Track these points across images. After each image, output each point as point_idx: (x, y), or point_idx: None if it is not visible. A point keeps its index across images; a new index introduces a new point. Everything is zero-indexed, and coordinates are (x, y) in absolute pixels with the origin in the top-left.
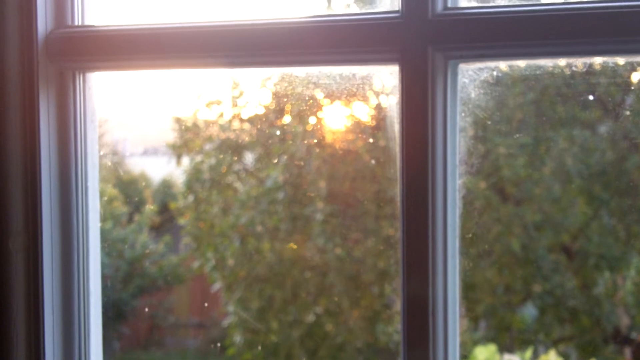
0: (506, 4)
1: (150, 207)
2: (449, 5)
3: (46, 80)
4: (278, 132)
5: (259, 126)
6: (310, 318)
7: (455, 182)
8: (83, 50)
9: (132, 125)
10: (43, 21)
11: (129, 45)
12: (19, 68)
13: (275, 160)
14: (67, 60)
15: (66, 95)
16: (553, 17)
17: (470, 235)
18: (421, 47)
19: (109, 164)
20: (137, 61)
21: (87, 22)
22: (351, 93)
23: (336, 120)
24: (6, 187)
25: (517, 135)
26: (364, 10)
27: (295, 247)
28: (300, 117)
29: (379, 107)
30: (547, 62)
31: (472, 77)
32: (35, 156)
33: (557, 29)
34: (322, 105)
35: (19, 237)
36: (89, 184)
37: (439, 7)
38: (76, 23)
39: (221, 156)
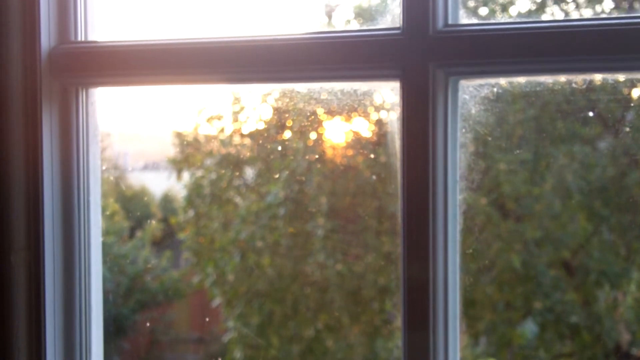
0: (506, 20)
1: (153, 223)
2: (450, 22)
3: (49, 95)
4: (280, 148)
5: (260, 141)
6: (310, 333)
7: (455, 197)
8: (86, 65)
9: (133, 140)
10: (46, 37)
11: (132, 61)
12: (22, 83)
13: (277, 176)
14: (70, 76)
15: (69, 111)
16: (553, 34)
17: (470, 251)
18: (422, 64)
19: (111, 178)
20: (139, 77)
21: (90, 38)
22: (352, 109)
23: (337, 136)
24: (9, 202)
25: (518, 152)
26: (364, 27)
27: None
28: (301, 132)
29: (379, 123)
30: (547, 79)
31: (473, 93)
32: (38, 171)
33: (557, 46)
34: (323, 121)
35: (21, 252)
36: (91, 198)
37: (440, 24)
38: (79, 39)
39: (222, 171)
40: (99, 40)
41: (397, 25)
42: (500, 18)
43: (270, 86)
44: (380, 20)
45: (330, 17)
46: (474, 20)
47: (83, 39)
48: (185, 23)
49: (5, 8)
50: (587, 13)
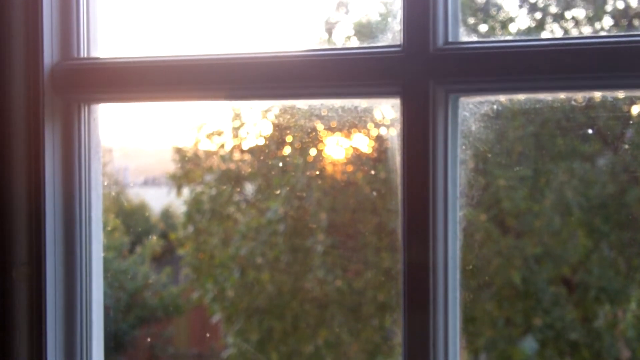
0: (506, 38)
1: (153, 238)
2: (450, 39)
3: (51, 111)
4: (281, 164)
5: (261, 157)
6: (310, 350)
7: (455, 214)
8: (88, 82)
9: (133, 155)
10: (49, 53)
11: (134, 77)
12: (25, 99)
13: (278, 192)
14: (72, 92)
15: (71, 127)
16: (553, 52)
17: (470, 267)
18: (422, 81)
19: (113, 194)
20: (141, 93)
21: (92, 55)
22: (353, 125)
23: (337, 152)
24: (11, 217)
25: (517, 168)
26: (364, 43)
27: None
28: (302, 148)
29: (380, 139)
30: (547, 96)
31: (473, 110)
32: (40, 187)
33: (556, 64)
34: (324, 137)
35: (22, 267)
36: (93, 214)
37: (440, 41)
38: (82, 55)
39: (222, 187)
40: (101, 56)
41: (398, 42)
42: (500, 35)
43: (271, 102)
44: (380, 37)
45: (330, 33)
46: (474, 38)
47: (85, 56)
48: (187, 39)
49: (8, 24)
50: (587, 30)
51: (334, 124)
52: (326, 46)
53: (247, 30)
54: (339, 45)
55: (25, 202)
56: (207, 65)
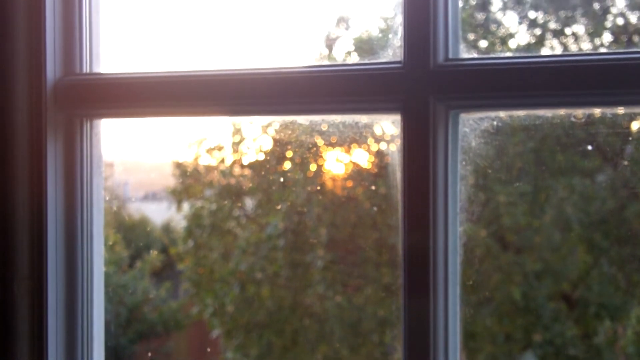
0: (506, 55)
1: (153, 253)
2: (450, 56)
3: (54, 126)
4: (282, 179)
5: (262, 172)
6: None
7: (456, 229)
8: (91, 97)
9: (133, 170)
10: (52, 68)
11: (136, 92)
12: (28, 114)
13: (279, 207)
14: (75, 107)
15: (73, 142)
16: (553, 69)
17: (470, 282)
18: (423, 97)
19: (114, 208)
20: (143, 108)
21: (95, 70)
22: (353, 140)
23: (338, 167)
24: (12, 231)
25: (517, 184)
26: (364, 59)
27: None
28: (302, 163)
29: (380, 155)
30: (546, 112)
31: (473, 126)
32: (42, 201)
33: (557, 81)
34: (325, 152)
35: (24, 281)
36: (94, 229)
37: (441, 58)
38: (84, 71)
39: (224, 202)
40: (103, 72)
41: (399, 59)
42: (500, 51)
43: (271, 117)
44: (381, 53)
45: (330, 49)
46: (474, 54)
47: (88, 71)
48: (189, 55)
49: (11, 40)
50: (586, 46)
51: (334, 139)
52: (326, 62)
53: (248, 46)
54: (339, 61)
55: (27, 217)
56: (209, 80)
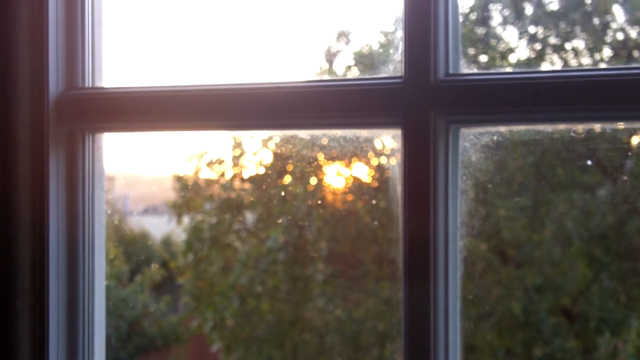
0: (506, 70)
1: (152, 267)
2: (451, 71)
3: (56, 140)
4: (283, 193)
5: (262, 186)
6: None
7: (456, 243)
8: (93, 111)
9: (133, 183)
10: (54, 83)
11: (138, 107)
12: (30, 128)
13: (280, 221)
14: (77, 121)
15: (75, 155)
16: (552, 84)
17: (471, 296)
18: (423, 112)
19: (115, 222)
20: (145, 123)
21: (97, 84)
22: (354, 154)
23: (338, 181)
24: (14, 244)
25: (518, 198)
26: (364, 74)
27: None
28: (303, 177)
29: (381, 169)
30: (546, 127)
31: (473, 141)
32: (44, 214)
33: (557, 96)
34: (325, 166)
35: (26, 294)
36: (96, 242)
37: (441, 73)
38: (87, 85)
39: (225, 216)
40: (105, 86)
41: (399, 74)
42: (500, 66)
43: (272, 131)
44: (382, 68)
45: (331, 63)
46: (474, 69)
47: (90, 85)
48: (190, 70)
49: (14, 54)
50: (586, 61)
51: (334, 153)
52: (327, 76)
53: (249, 61)
54: (340, 75)
55: (29, 229)
56: (210, 95)
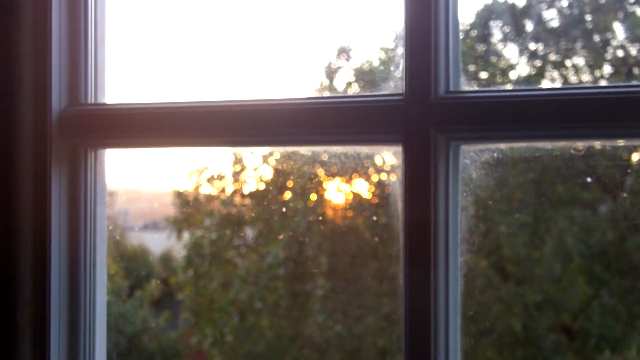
0: (507, 87)
1: (152, 282)
2: (451, 88)
3: (59, 155)
4: (283, 209)
5: (264, 203)
6: None
7: (457, 260)
8: (95, 127)
9: (133, 199)
10: (57, 98)
11: (139, 123)
12: (33, 143)
13: (281, 237)
14: (79, 137)
15: (78, 171)
16: (552, 102)
17: (471, 313)
18: (424, 129)
19: (117, 237)
20: (148, 139)
21: (99, 100)
22: (354, 170)
23: (339, 197)
24: (16, 258)
25: (518, 215)
26: (365, 90)
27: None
28: (303, 193)
29: (381, 185)
30: (546, 144)
31: (474, 158)
32: (46, 229)
33: (556, 114)
34: (326, 182)
35: (27, 308)
36: (97, 258)
37: (441, 90)
38: (89, 101)
39: (225, 231)
40: (108, 102)
41: (400, 91)
42: (500, 82)
43: (273, 147)
44: (383, 85)
45: (331, 79)
46: (475, 86)
47: (93, 101)
48: (191, 86)
49: (17, 69)
50: (586, 78)
51: (335, 169)
52: (327, 92)
53: (250, 77)
54: (340, 91)
55: (31, 244)
56: (211, 111)
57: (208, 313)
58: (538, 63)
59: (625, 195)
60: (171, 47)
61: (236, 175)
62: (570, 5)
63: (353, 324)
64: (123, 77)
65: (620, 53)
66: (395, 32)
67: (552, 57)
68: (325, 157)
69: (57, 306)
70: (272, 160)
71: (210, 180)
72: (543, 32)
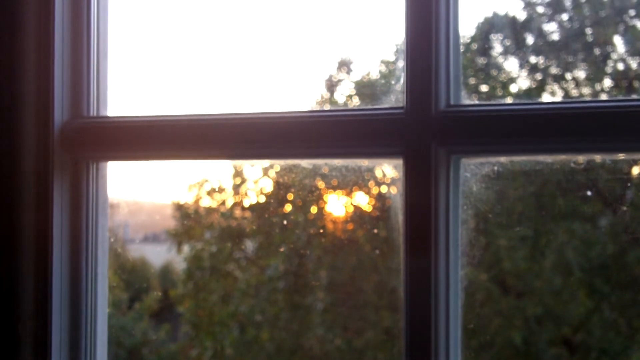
0: (507, 101)
1: (152, 295)
2: (452, 102)
3: (61, 168)
4: (284, 222)
5: (264, 215)
6: None
7: (457, 273)
8: (97, 140)
9: (133, 211)
10: (59, 111)
11: (142, 136)
12: (35, 156)
13: (282, 249)
14: (81, 150)
15: (80, 184)
16: (553, 116)
17: (471, 326)
18: (424, 143)
19: (119, 250)
20: (149, 152)
21: (102, 113)
22: (355, 183)
23: (339, 210)
24: (18, 272)
25: (518, 228)
26: (366, 103)
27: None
28: (303, 206)
29: (382, 198)
30: (547, 157)
31: (474, 171)
32: (48, 242)
33: (557, 127)
34: (326, 195)
35: (28, 322)
36: (99, 270)
37: (442, 104)
38: (92, 114)
39: (225, 244)
40: (110, 115)
41: (401, 104)
42: (501, 96)
43: (274, 160)
44: (383, 99)
45: (332, 92)
46: (475, 99)
47: (95, 114)
48: (192, 99)
49: (20, 82)
50: (587, 91)
51: (335, 182)
52: (328, 105)
53: (250, 90)
54: (341, 104)
55: (32, 256)
56: (212, 125)
57: (208, 326)
58: (539, 76)
59: (625, 208)
60: (172, 60)
61: (236, 188)
62: (570, 19)
63: (353, 337)
64: (125, 91)
65: (620, 66)
66: (396, 46)
67: (553, 70)
68: (325, 170)
69: (59, 319)
70: (272, 173)
71: (211, 192)
72: (543, 46)
